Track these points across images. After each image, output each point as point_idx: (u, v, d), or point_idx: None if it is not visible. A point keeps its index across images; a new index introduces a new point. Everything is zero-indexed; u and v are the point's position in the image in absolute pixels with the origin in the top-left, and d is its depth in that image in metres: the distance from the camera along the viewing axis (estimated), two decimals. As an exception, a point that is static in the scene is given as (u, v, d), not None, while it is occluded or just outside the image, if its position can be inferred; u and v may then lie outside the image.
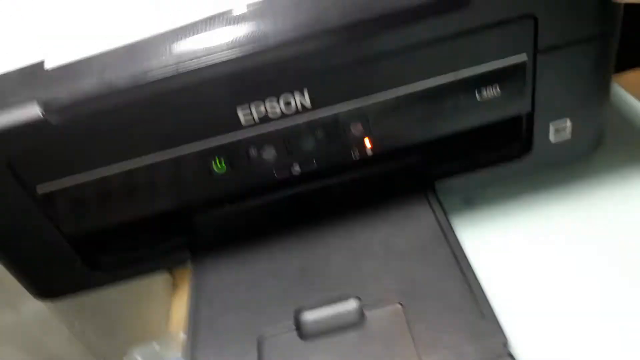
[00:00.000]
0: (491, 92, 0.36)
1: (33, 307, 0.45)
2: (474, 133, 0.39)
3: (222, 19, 0.33)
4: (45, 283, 0.40)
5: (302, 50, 0.32)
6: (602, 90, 0.39)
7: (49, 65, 0.34)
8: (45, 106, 0.32)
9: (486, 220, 0.42)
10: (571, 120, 0.39)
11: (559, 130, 0.39)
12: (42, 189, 0.34)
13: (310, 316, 0.34)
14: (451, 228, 0.38)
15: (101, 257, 0.40)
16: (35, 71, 0.34)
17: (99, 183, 0.35)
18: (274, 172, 0.38)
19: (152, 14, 0.36)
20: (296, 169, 0.38)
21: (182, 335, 0.37)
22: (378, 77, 0.35)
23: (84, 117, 0.32)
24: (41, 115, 0.31)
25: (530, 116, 0.38)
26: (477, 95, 0.36)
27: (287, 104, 0.34)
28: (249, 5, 0.33)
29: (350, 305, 0.34)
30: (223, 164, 0.36)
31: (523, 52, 0.35)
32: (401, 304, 0.34)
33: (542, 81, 0.36)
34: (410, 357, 0.31)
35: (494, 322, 0.31)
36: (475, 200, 0.43)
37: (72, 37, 0.36)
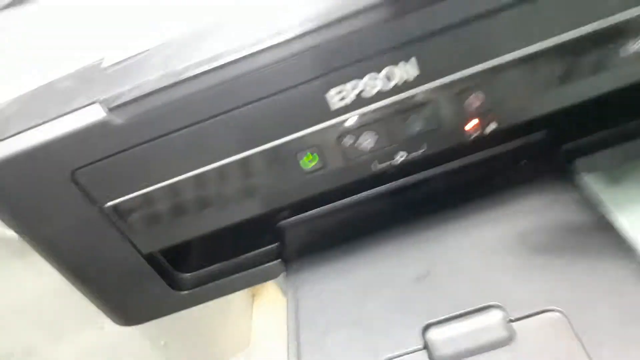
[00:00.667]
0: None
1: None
2: (616, 97, 0.31)
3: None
4: (127, 309, 0.35)
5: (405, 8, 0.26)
6: None
7: (107, 64, 0.29)
8: (108, 105, 0.27)
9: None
10: None
11: None
12: (111, 203, 0.30)
13: (442, 333, 0.28)
14: (607, 212, 0.30)
15: (184, 276, 0.35)
16: (93, 72, 0.29)
17: (174, 191, 0.30)
18: (375, 162, 0.31)
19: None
20: (399, 156, 0.31)
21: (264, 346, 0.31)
22: (501, 35, 0.28)
23: (150, 114, 0.27)
24: (105, 115, 0.27)
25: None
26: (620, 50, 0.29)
27: (388, 78, 0.28)
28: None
29: (493, 316, 0.27)
30: (315, 158, 0.30)
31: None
32: (560, 311, 0.26)
33: None
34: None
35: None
36: (623, 179, 0.35)
37: (124, 36, 0.31)
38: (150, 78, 0.27)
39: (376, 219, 0.35)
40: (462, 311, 0.28)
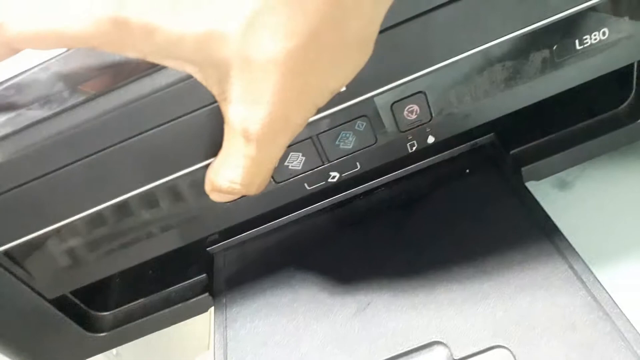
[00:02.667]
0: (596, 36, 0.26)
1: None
2: (563, 99, 0.29)
3: None
4: (41, 358, 0.31)
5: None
6: None
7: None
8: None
9: (589, 208, 0.32)
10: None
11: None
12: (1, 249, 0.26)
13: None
14: (558, 230, 0.28)
15: (100, 315, 0.32)
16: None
17: (74, 230, 0.26)
18: (305, 184, 0.28)
19: None
20: (333, 175, 0.28)
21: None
22: (434, 39, 0.25)
23: (35, 148, 0.23)
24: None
25: None
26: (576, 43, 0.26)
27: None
28: None
29: (437, 355, 0.25)
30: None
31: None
32: (508, 349, 0.24)
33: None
34: None
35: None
36: (571, 184, 0.33)
37: None
38: (31, 106, 0.23)
39: (312, 239, 0.32)
40: (402, 349, 0.25)
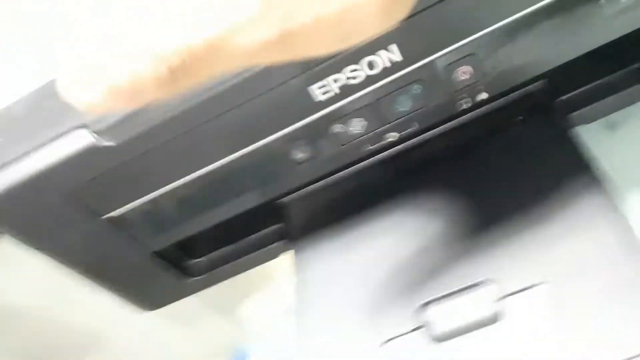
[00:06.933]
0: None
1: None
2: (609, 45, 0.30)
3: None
4: (146, 297, 0.37)
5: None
6: None
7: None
8: (97, 130, 0.27)
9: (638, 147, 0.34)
10: None
11: None
12: (112, 214, 0.31)
13: (440, 311, 0.29)
14: (603, 173, 0.30)
15: (194, 262, 0.37)
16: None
17: (174, 195, 0.30)
18: (367, 145, 0.31)
19: None
20: (393, 135, 0.31)
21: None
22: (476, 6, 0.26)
23: (141, 133, 0.27)
24: (94, 141, 0.27)
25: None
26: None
27: (371, 66, 0.27)
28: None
29: (486, 291, 0.29)
30: (306, 149, 0.30)
31: None
32: (552, 284, 0.27)
33: None
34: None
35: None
36: (620, 125, 0.35)
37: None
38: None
39: (373, 189, 0.36)
40: (457, 287, 0.29)
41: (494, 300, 0.28)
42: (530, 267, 0.28)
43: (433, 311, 0.29)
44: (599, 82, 0.34)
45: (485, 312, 0.28)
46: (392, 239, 0.33)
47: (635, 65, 0.33)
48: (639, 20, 0.28)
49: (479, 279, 0.29)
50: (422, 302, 0.29)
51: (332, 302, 0.32)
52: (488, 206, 0.32)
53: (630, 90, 0.33)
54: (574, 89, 0.34)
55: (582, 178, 0.30)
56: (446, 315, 0.29)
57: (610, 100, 0.33)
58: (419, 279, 0.31)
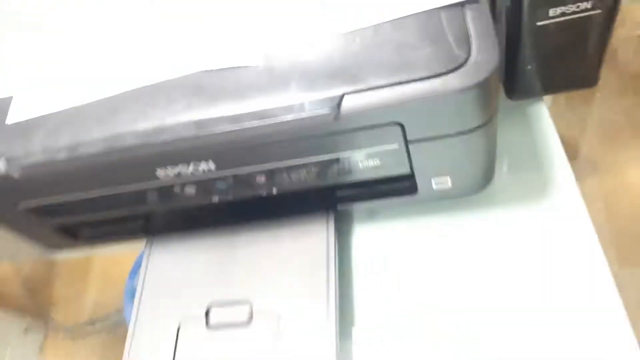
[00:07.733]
0: (373, 162, 0.43)
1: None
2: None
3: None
4: (47, 243, 0.55)
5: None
6: (480, 157, 0.44)
7: (10, 120, 0.43)
8: (8, 164, 0.42)
9: (387, 228, 0.52)
10: (451, 177, 0.45)
11: (440, 183, 0.46)
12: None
13: (218, 312, 0.48)
14: (336, 255, 0.48)
15: (78, 235, 0.54)
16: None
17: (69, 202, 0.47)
18: (198, 200, 0.48)
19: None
20: (215, 199, 0.48)
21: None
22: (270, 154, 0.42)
23: (44, 173, 0.42)
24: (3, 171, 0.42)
25: (411, 176, 0.45)
26: (360, 164, 0.43)
27: (196, 169, 0.43)
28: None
29: (246, 308, 0.47)
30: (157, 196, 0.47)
31: (395, 143, 0.41)
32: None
33: (417, 157, 0.42)
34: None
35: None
36: (378, 214, 0.52)
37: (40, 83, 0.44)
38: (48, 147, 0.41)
39: (210, 218, 0.53)
40: (232, 298, 0.48)
41: (248, 311, 0.47)
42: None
43: (213, 310, 0.48)
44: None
45: (242, 318, 0.47)
46: (212, 251, 0.51)
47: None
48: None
49: (242, 298, 0.48)
50: (210, 302, 0.48)
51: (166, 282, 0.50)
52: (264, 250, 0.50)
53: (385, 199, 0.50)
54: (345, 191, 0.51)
55: (323, 253, 0.48)
56: (220, 314, 0.48)
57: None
58: (215, 290, 0.49)
